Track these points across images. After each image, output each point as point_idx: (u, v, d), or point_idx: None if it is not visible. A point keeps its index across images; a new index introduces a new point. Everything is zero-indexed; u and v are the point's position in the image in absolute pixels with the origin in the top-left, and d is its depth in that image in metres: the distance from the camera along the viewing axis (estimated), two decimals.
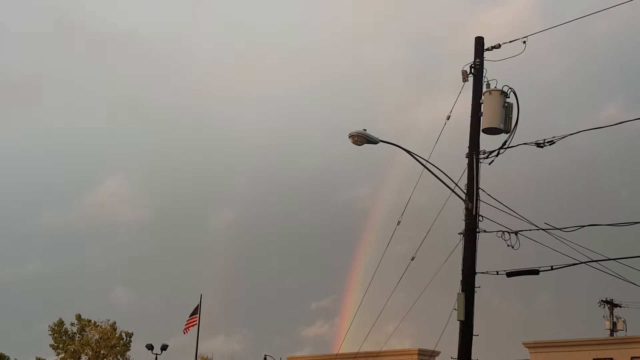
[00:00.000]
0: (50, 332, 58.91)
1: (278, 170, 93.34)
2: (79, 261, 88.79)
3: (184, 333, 47.85)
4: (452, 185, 16.96)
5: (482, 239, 16.62)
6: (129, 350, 59.33)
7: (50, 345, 58.64)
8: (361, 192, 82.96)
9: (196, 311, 47.58)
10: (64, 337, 58.66)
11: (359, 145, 17.29)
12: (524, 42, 17.11)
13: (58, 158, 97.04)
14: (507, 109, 17.07)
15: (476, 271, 16.51)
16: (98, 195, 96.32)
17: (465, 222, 16.72)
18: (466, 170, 16.93)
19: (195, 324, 47.10)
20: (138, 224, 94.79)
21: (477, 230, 16.67)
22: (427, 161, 17.18)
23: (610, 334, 46.42)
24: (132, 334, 59.70)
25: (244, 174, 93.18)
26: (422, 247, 17.96)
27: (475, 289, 16.51)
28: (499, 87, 17.07)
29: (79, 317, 59.21)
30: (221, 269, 77.31)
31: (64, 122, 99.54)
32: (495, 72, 17.25)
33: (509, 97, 17.11)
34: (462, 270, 16.55)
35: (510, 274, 16.64)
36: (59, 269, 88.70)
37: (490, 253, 17.18)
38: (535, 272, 16.49)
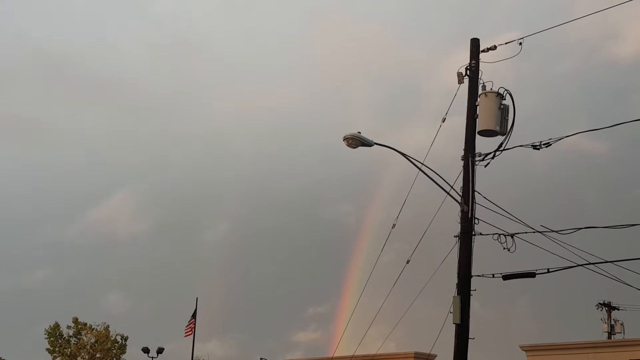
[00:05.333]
0: (46, 336, 58.77)
1: (272, 187, 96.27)
2: (81, 271, 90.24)
3: (185, 336, 48.08)
4: (448, 188, 16.85)
5: (477, 242, 16.56)
6: (124, 353, 59.21)
7: (47, 349, 58.51)
8: (354, 206, 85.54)
9: (194, 315, 47.79)
10: (59, 341, 58.51)
11: (354, 147, 17.15)
12: (520, 43, 17.04)
13: (64, 175, 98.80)
14: (503, 111, 16.97)
15: (472, 274, 16.41)
16: (103, 208, 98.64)
17: (461, 225, 16.61)
18: (461, 173, 16.85)
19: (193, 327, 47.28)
20: (137, 235, 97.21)
21: (473, 233, 16.56)
22: (423, 164, 17.09)
23: (608, 336, 46.31)
24: (127, 337, 59.62)
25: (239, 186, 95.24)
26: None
27: (472, 292, 16.43)
28: (495, 89, 17.00)
29: (75, 321, 59.08)
30: (217, 277, 78.27)
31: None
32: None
33: (504, 99, 17.01)
34: (458, 273, 16.44)
35: (506, 277, 16.54)
36: (60, 279, 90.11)
37: (486, 256, 17.18)
38: (531, 274, 16.39)
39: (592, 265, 16.29)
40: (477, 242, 16.57)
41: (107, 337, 58.60)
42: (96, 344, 58.28)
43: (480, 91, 17.13)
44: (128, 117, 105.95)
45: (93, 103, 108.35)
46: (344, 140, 17.13)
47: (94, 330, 58.78)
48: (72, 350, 57.92)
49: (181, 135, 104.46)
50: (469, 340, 16.26)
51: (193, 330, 47.41)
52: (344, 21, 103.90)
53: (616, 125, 15.95)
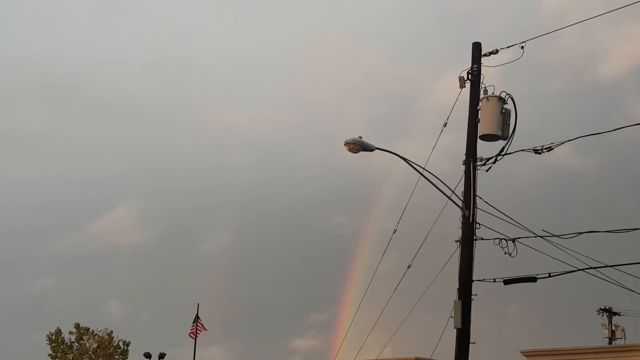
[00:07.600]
0: (48, 342, 58.65)
1: (270, 198, 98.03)
2: (83, 281, 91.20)
3: (190, 337, 48.14)
4: (449, 194, 16.86)
5: (477, 247, 16.57)
6: (126, 359, 59.10)
7: (49, 355, 58.40)
8: (351, 217, 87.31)
9: (196, 320, 47.81)
10: (61, 347, 58.40)
11: (355, 152, 17.07)
12: (522, 47, 17.01)
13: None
14: (505, 115, 16.94)
15: (473, 279, 16.42)
16: (105, 220, 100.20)
17: (462, 230, 16.61)
18: (462, 179, 16.85)
19: (200, 331, 47.42)
20: (138, 246, 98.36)
21: (474, 237, 16.56)
22: (424, 168, 17.09)
23: (609, 342, 46.26)
24: (129, 342, 59.54)
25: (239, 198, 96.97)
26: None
27: (473, 296, 16.43)
28: (497, 93, 16.99)
29: (77, 326, 58.97)
30: (217, 285, 78.88)
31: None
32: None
33: (506, 104, 17.00)
34: (459, 278, 16.44)
35: (507, 282, 16.52)
36: (62, 289, 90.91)
37: (487, 261, 17.23)
38: (532, 279, 16.37)
39: (593, 269, 16.29)
40: (477, 247, 16.59)
41: (110, 343, 58.52)
42: (98, 350, 58.18)
43: (482, 95, 17.13)
44: (129, 131, 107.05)
45: (94, 118, 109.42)
46: (345, 145, 17.02)
47: (97, 336, 58.71)
48: (74, 356, 57.79)
49: (181, 149, 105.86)
50: (470, 344, 16.26)
51: (196, 332, 47.42)
52: (342, 43, 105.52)
53: (615, 130, 15.99)
